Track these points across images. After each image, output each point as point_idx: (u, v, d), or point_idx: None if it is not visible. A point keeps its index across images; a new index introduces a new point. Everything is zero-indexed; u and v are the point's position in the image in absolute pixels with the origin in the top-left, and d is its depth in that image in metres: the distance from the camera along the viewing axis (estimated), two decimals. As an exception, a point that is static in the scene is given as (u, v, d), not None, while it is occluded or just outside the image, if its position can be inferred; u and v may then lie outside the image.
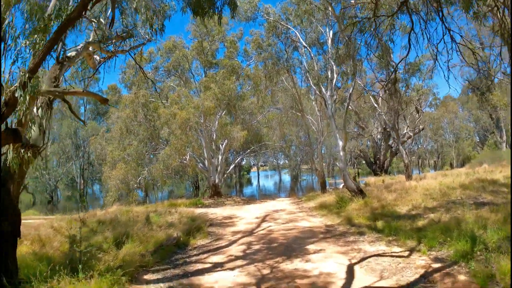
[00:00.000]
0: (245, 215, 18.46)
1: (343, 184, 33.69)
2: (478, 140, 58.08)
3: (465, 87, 54.67)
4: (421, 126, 43.17)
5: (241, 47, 32.65)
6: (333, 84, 19.37)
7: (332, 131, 19.01)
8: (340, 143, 18.14)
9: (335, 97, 19.54)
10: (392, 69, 27.03)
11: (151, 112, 29.14)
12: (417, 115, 36.73)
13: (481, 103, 45.32)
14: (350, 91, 18.34)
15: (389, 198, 16.44)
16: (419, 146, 63.39)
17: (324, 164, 76.04)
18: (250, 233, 13.14)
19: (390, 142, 48.84)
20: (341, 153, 18.04)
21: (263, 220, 16.12)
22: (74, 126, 51.11)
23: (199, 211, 21.97)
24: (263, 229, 13.58)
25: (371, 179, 40.22)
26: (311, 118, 29.25)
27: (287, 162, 71.47)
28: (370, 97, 38.65)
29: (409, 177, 25.79)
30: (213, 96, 26.50)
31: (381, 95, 40.80)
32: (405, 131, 49.72)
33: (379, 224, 12.52)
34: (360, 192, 17.24)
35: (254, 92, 29.42)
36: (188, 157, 28.68)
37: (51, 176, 51.30)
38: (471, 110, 55.68)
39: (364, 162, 69.40)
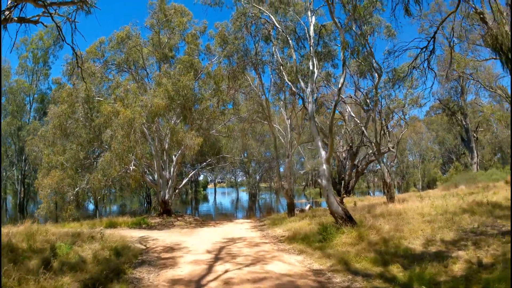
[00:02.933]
0: (194, 245, 13.35)
1: (308, 205, 29.41)
2: (442, 162, 55.78)
3: (431, 108, 52.53)
4: (390, 145, 39.70)
5: (203, 43, 27.79)
6: (314, 78, 14.87)
7: (313, 138, 14.38)
8: (323, 154, 13.52)
9: (315, 95, 15.03)
10: (376, 74, 23.25)
11: (95, 111, 23.54)
12: (387, 133, 32.97)
13: (451, 123, 42.96)
14: (340, 82, 13.79)
15: (387, 228, 12.09)
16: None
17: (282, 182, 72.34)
18: (197, 285, 8.11)
19: (356, 161, 45.21)
20: (324, 166, 13.39)
21: (218, 256, 11.05)
22: (15, 125, 44.09)
23: (139, 234, 17.21)
24: (217, 278, 8.50)
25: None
26: (278, 127, 24.69)
27: (245, 179, 66.79)
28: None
29: (391, 198, 21.58)
30: (164, 93, 21.41)
31: (348, 110, 37.43)
32: (370, 151, 46.59)
33: (396, 270, 8.55)
34: (349, 220, 12.63)
35: (214, 93, 24.46)
36: (132, 167, 23.27)
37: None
38: (437, 131, 53.36)
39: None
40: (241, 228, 19.86)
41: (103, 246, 10.82)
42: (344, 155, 47.13)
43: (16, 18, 9.33)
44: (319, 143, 13.80)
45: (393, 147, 39.47)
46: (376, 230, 11.80)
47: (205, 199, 70.40)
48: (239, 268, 9.27)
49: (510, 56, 20.21)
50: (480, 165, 42.12)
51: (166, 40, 26.84)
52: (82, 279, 7.62)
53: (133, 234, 17.22)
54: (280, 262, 9.96)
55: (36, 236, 10.04)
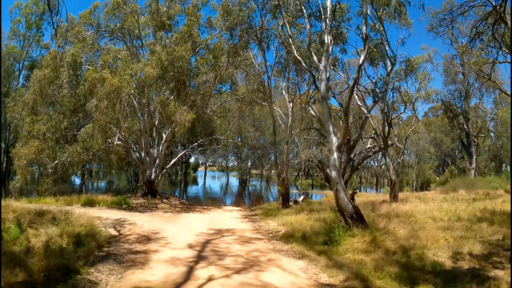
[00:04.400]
0: (175, 236, 11.17)
1: (302, 197, 27.28)
2: (437, 165, 54.15)
3: (430, 109, 50.80)
4: (390, 142, 37.67)
5: (205, 16, 25.29)
6: (329, 53, 12.68)
7: (325, 121, 12.18)
8: (334, 140, 11.35)
9: (328, 73, 12.90)
10: (389, 62, 21.04)
11: (82, 79, 21.06)
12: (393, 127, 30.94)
13: (452, 126, 41.16)
14: (361, 59, 11.60)
15: (402, 233, 10.17)
16: (376, 164, 58.64)
17: (273, 170, 70.10)
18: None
19: (352, 155, 43.13)
20: (335, 155, 11.24)
21: (201, 254, 8.85)
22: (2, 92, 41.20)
23: (116, 216, 15.07)
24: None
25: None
26: (279, 110, 22.48)
27: (236, 164, 64.69)
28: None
29: (394, 197, 19.59)
30: (157, 62, 19.05)
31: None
32: (368, 145, 44.50)
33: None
34: (360, 220, 10.53)
35: (212, 69, 22.05)
36: (117, 141, 20.98)
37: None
38: (435, 133, 51.57)
39: (319, 173, 64.09)
40: (230, 217, 17.74)
41: (63, 231, 8.62)
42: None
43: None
44: (331, 128, 11.62)
45: (392, 144, 37.57)
46: (392, 235, 9.74)
47: (195, 181, 68.18)
48: (227, 276, 7.10)
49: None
50: (477, 171, 40.40)
51: (165, 9, 24.32)
52: (12, 281, 5.44)
53: (110, 215, 15.10)
54: (279, 270, 7.82)
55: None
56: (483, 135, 43.62)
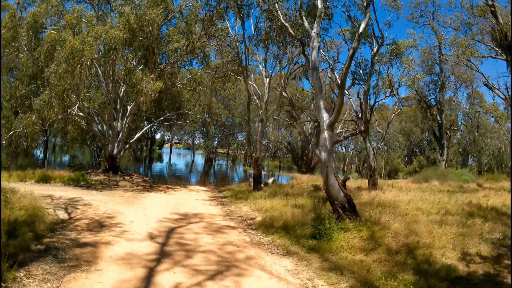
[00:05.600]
0: (134, 222, 9.29)
1: (272, 179, 25.69)
2: (405, 154, 54.13)
3: (400, 99, 50.33)
4: (362, 128, 36.66)
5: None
6: (321, 19, 10.95)
7: (316, 94, 10.44)
8: (325, 117, 9.69)
9: (319, 41, 11.20)
10: (376, 42, 19.53)
11: (44, 42, 18.31)
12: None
13: (425, 116, 40.68)
14: (362, 27, 9.93)
15: (397, 227, 8.84)
16: (344, 149, 58.00)
17: (240, 150, 68.32)
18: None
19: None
20: (326, 134, 9.59)
21: (164, 249, 7.00)
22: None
23: (71, 194, 13.21)
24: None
25: (302, 176, 32.84)
26: (254, 85, 20.65)
27: (203, 142, 62.62)
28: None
29: (374, 185, 18.33)
30: (125, 25, 16.73)
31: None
32: (338, 130, 43.47)
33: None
34: (353, 211, 9.03)
35: (184, 36, 19.82)
36: (76, 111, 18.53)
37: None
38: (406, 122, 51.24)
39: (286, 155, 63.04)
40: (196, 198, 15.97)
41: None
42: (310, 131, 43.96)
43: None
44: (321, 103, 9.96)
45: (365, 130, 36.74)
46: (389, 230, 8.29)
47: (160, 158, 65.57)
48: (199, 284, 5.37)
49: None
50: (447, 163, 40.32)
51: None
52: None
53: (64, 194, 13.15)
54: (263, 273, 6.14)
55: None
56: (455, 128, 43.54)
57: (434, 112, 37.58)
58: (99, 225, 8.62)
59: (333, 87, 26.39)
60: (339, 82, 23.06)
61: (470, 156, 47.74)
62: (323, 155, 9.47)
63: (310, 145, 42.46)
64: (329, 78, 41.01)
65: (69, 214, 9.78)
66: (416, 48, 23.90)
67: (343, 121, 43.99)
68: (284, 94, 29.40)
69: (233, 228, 9.78)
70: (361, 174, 46.70)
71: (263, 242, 8.46)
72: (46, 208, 9.44)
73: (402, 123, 51.39)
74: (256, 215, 11.61)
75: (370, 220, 8.82)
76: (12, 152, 18.51)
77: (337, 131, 43.91)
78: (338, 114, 9.64)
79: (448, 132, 37.68)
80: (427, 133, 48.50)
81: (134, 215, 10.35)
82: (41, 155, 37.60)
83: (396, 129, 51.54)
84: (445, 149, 36.40)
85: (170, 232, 8.58)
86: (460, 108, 42.45)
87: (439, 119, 36.77)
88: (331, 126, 9.70)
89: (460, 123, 45.49)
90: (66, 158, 44.47)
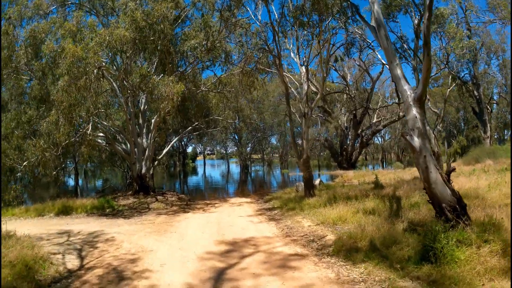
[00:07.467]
0: (167, 265, 6.63)
1: (318, 180, 22.44)
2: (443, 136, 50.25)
3: (432, 80, 46.64)
4: (401, 113, 33.29)
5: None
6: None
7: (389, 60, 7.38)
8: (408, 90, 6.80)
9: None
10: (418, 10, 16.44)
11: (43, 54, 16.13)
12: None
13: (461, 93, 36.86)
14: None
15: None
16: (381, 140, 54.34)
17: (276, 154, 65.64)
18: None
19: (360, 131, 38.55)
20: (414, 111, 6.65)
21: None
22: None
23: (91, 228, 10.89)
24: None
25: (346, 173, 29.60)
26: (288, 75, 17.82)
27: (235, 150, 60.15)
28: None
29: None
30: (131, 23, 14.21)
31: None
32: (374, 119, 39.99)
33: None
34: (464, 213, 6.06)
35: (201, 31, 17.21)
36: (90, 129, 16.06)
37: None
38: (439, 103, 47.47)
39: (322, 152, 59.62)
40: (241, 214, 13.23)
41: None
42: (346, 124, 40.64)
43: None
44: (398, 71, 7.08)
45: (403, 116, 33.37)
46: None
47: (194, 171, 63.48)
48: None
49: None
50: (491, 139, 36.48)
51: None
52: None
53: (84, 228, 10.82)
54: None
55: None
56: (494, 102, 39.62)
57: (470, 88, 33.83)
58: (117, 278, 5.97)
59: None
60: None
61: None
62: (416, 141, 6.52)
63: (348, 140, 39.19)
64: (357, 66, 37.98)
65: (82, 259, 7.26)
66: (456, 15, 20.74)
67: (378, 109, 40.61)
68: (313, 88, 26.42)
69: (302, 257, 6.94)
70: (403, 163, 42.86)
71: (355, 277, 5.59)
72: (53, 254, 7.18)
73: (438, 104, 47.47)
74: (325, 231, 8.72)
75: (488, 223, 5.85)
76: (29, 184, 16.32)
77: (374, 120, 40.55)
78: (426, 82, 6.71)
79: (488, 107, 34.01)
80: (461, 112, 44.66)
81: (167, 252, 7.68)
82: (72, 183, 36.03)
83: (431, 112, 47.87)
84: (488, 125, 32.69)
85: (218, 278, 5.81)
86: (495, 80, 38.49)
87: (476, 94, 32.99)
88: (419, 101, 6.74)
89: (495, 96, 41.65)
90: (99, 183, 42.90)
